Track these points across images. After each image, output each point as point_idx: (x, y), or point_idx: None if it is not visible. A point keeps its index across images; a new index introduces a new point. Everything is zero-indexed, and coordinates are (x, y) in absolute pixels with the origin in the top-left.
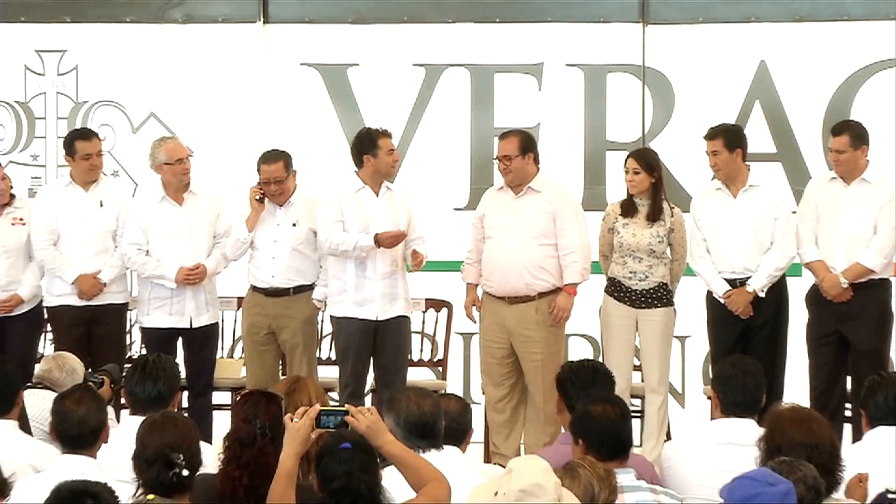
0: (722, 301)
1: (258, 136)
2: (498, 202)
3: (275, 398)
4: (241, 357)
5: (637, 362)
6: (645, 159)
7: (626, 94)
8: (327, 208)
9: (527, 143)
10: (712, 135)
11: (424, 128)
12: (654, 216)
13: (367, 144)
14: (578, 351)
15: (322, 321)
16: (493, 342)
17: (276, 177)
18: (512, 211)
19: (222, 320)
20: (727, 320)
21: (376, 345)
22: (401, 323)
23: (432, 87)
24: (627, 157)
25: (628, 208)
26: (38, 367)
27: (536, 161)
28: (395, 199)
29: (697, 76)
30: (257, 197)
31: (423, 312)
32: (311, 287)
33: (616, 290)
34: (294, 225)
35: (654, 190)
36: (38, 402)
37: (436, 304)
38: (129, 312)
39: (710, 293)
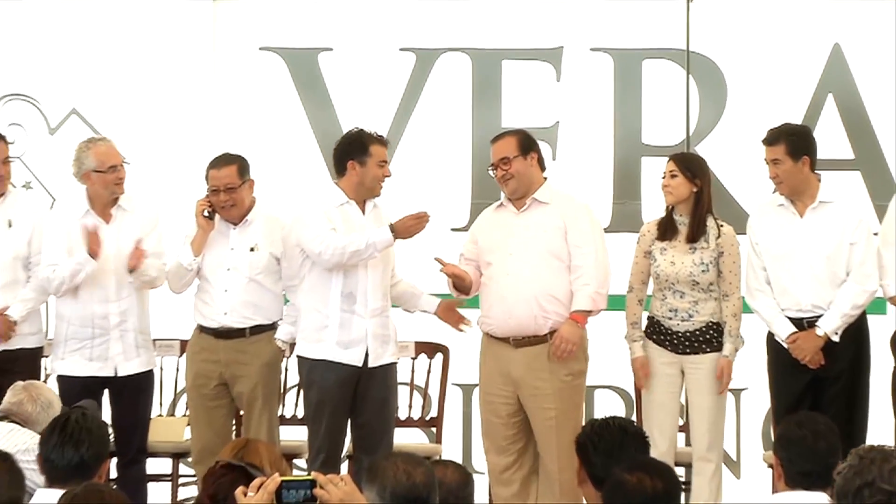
0: (786, 346)
1: (206, 139)
2: (495, 222)
3: (252, 474)
4: (185, 415)
5: (682, 422)
6: (686, 162)
7: (666, 86)
8: (314, 218)
9: (526, 141)
10: (772, 139)
11: (414, 129)
12: (695, 235)
13: (355, 148)
14: (605, 407)
15: (286, 369)
16: (495, 397)
17: (226, 184)
18: (514, 229)
19: (160, 368)
20: (793, 369)
21: (357, 399)
22: (388, 372)
23: (424, 78)
24: (669, 159)
25: (667, 228)
26: (5, 398)
27: (541, 165)
28: (382, 219)
29: (755, 64)
30: (206, 212)
31: (413, 359)
32: (272, 327)
33: (655, 331)
34: (252, 249)
35: (696, 202)
36: None
37: (428, 349)
38: (43, 359)
39: (771, 334)
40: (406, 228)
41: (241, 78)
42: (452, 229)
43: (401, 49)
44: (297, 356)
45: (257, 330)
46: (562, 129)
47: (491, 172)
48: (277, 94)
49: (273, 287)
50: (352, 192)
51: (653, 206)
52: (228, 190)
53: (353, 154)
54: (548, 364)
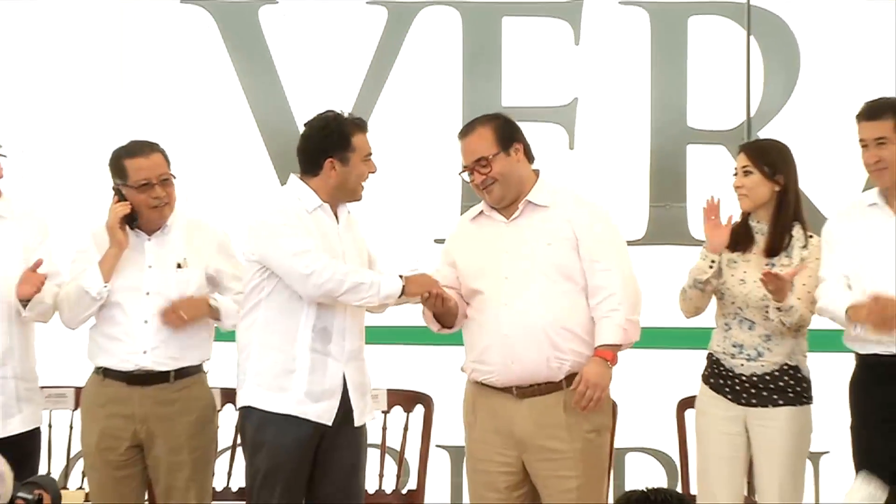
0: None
1: (107, 119)
2: (478, 236)
3: None
4: (81, 488)
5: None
6: (762, 154)
7: (719, 49)
8: (291, 226)
9: (505, 129)
10: (874, 112)
11: (386, 107)
12: (776, 248)
13: (335, 142)
14: (640, 475)
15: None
16: (492, 464)
17: (160, 174)
18: (506, 243)
19: (49, 426)
20: (887, 428)
21: (317, 466)
22: (358, 431)
23: (399, 41)
24: (739, 150)
25: (740, 237)
26: None
27: (529, 156)
28: (356, 230)
29: (836, 23)
30: (124, 221)
31: (385, 413)
32: (201, 369)
33: (714, 373)
34: (179, 266)
35: (779, 205)
36: None
37: (405, 400)
38: None
39: (857, 379)
40: (419, 285)
41: (155, 38)
42: (437, 241)
43: (368, 2)
44: (244, 407)
45: (185, 373)
46: (582, 109)
47: (465, 177)
48: (203, 58)
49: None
50: (327, 194)
51: (698, 209)
52: (164, 182)
53: (333, 149)
54: (565, 418)
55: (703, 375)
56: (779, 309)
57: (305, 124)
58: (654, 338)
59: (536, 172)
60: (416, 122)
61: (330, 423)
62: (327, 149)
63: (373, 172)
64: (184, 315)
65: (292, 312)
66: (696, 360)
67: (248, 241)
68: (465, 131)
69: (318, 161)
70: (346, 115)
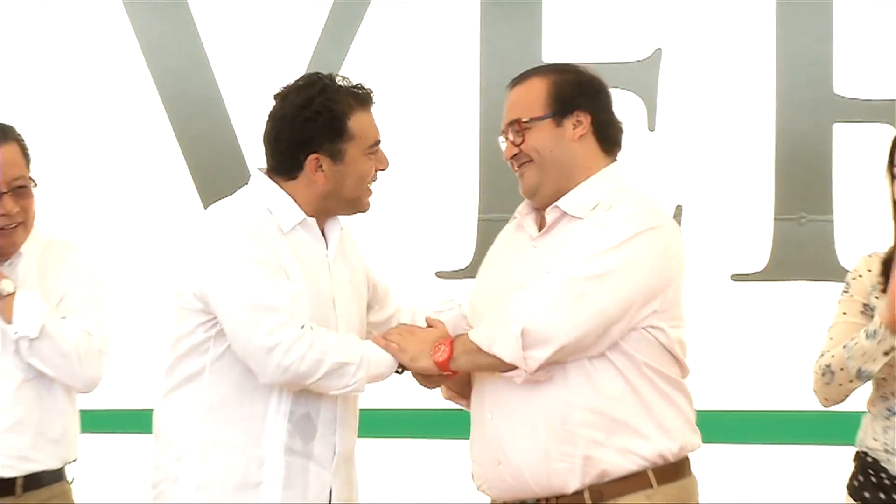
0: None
1: None
2: (500, 256)
3: None
4: None
5: None
6: None
7: None
8: (255, 261)
9: (570, 88)
10: None
11: (378, 74)
12: None
13: (323, 126)
14: None
15: None
16: None
17: (14, 177)
18: (517, 275)
19: None
20: None
21: None
22: None
23: None
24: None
25: None
26: None
27: (604, 138)
28: (352, 257)
29: None
30: None
31: None
32: (61, 475)
33: (871, 483)
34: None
35: None
36: None
37: None
38: None
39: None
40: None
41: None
42: (439, 274)
43: None
44: None
45: (37, 482)
46: (668, 66)
47: (502, 144)
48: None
49: (68, 386)
50: (311, 204)
51: (852, 223)
52: (18, 192)
53: (319, 139)
54: None
55: (851, 486)
56: None
57: (275, 96)
58: (768, 427)
59: (611, 163)
60: (417, 88)
61: None
62: (310, 138)
63: (382, 169)
64: None
65: (257, 390)
66: (835, 461)
67: (187, 274)
68: (516, 80)
69: (295, 157)
70: (339, 80)
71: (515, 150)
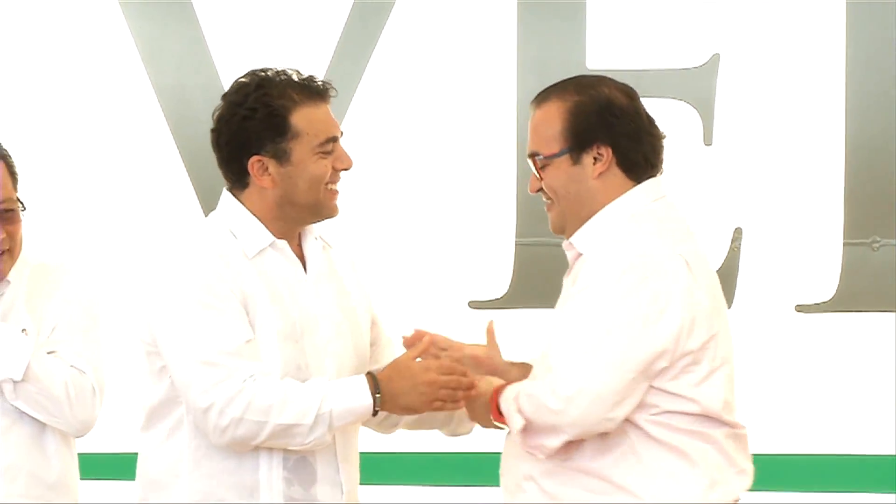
0: None
1: None
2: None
3: None
4: None
5: None
6: None
7: None
8: (202, 307)
9: (587, 118)
10: None
11: (390, 81)
12: None
13: (261, 123)
14: None
15: None
16: None
17: (2, 199)
18: (559, 318)
19: None
20: None
21: None
22: None
23: None
24: None
25: None
26: None
27: (628, 167)
28: (339, 275)
29: None
30: None
31: None
32: None
33: None
34: (24, 331)
35: None
36: None
37: None
38: None
39: None
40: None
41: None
42: (473, 304)
43: None
44: None
45: None
46: (724, 76)
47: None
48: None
49: (62, 425)
50: (270, 215)
51: None
52: (3, 214)
53: (258, 139)
54: None
55: None
56: None
57: (222, 97)
58: (835, 475)
59: (639, 185)
60: (437, 110)
61: None
62: (248, 139)
63: (344, 169)
64: None
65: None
66: None
67: (144, 322)
68: (536, 100)
69: (237, 161)
70: (282, 73)
71: (539, 186)
